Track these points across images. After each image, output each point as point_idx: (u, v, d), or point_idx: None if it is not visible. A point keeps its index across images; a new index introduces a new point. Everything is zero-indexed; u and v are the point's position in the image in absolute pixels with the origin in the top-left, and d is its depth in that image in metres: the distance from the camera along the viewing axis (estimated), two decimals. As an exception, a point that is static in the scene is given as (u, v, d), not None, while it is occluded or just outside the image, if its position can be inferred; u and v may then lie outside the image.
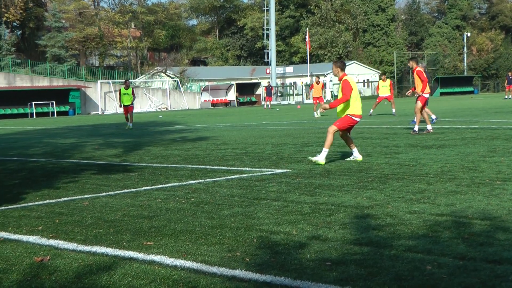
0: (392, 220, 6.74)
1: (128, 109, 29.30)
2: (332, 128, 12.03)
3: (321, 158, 11.83)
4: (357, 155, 12.27)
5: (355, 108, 12.06)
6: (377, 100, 31.93)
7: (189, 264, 5.31)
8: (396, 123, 23.72)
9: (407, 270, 4.95)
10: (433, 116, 23.01)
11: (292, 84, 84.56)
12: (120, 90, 29.74)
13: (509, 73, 53.32)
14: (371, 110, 31.33)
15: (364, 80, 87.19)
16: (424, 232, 6.17)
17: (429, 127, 18.20)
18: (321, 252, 5.56)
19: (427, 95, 18.71)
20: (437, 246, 5.62)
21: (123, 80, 38.59)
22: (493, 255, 5.31)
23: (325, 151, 11.90)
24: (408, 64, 19.24)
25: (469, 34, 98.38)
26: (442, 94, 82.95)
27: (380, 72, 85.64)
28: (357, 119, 12.18)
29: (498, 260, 5.17)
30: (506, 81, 52.87)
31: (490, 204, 7.45)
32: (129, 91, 29.31)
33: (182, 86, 75.15)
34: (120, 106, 30.99)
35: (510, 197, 7.77)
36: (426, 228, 6.31)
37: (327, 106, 12.50)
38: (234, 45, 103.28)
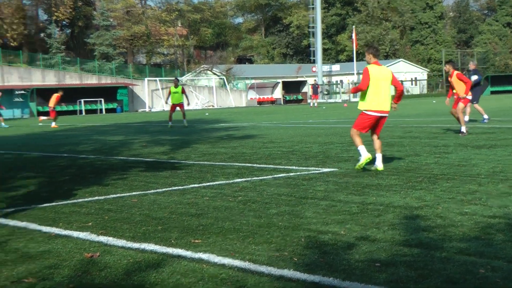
0: (442, 221, 6.62)
1: (175, 107, 29.03)
2: (352, 131, 11.07)
3: (362, 158, 10.74)
4: (378, 164, 10.85)
5: (371, 102, 10.79)
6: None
7: (237, 263, 5.29)
8: (445, 122, 23.39)
9: (459, 273, 4.85)
10: (485, 116, 22.63)
11: (339, 82, 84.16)
12: (169, 89, 29.51)
13: None
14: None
15: (411, 79, 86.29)
16: (476, 234, 6.04)
17: (463, 129, 17.84)
18: (370, 253, 5.49)
19: (470, 97, 18.44)
20: (490, 249, 5.49)
21: (171, 78, 38.77)
22: (550, 259, 5.17)
23: (360, 148, 10.79)
24: (445, 68, 18.73)
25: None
26: (492, 92, 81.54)
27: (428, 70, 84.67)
28: (374, 114, 10.85)
29: (556, 265, 5.03)
30: None
31: (545, 206, 7.27)
32: (179, 89, 28.98)
33: (228, 84, 75.40)
34: (166, 103, 30.98)
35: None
36: (478, 230, 6.17)
37: (349, 89, 11.94)
38: (280, 43, 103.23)
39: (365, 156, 10.72)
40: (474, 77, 22.44)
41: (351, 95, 77.06)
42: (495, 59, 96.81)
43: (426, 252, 5.46)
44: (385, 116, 10.99)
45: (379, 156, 10.89)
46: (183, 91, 29.17)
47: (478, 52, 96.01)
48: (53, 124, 34.19)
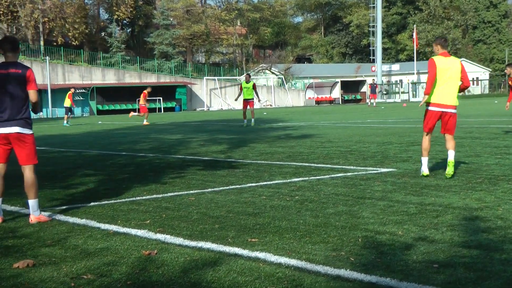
0: (503, 223, 6.51)
1: (247, 104, 28.69)
2: (423, 135, 10.33)
3: (423, 169, 10.09)
4: (450, 157, 9.91)
5: (433, 96, 9.96)
6: None
7: (293, 262, 5.29)
8: (507, 123, 22.95)
9: (518, 275, 4.77)
10: None
11: (398, 82, 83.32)
12: (241, 84, 29.26)
13: None
14: None
15: (473, 78, 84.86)
16: (537, 236, 5.93)
17: None
18: (428, 254, 5.44)
19: None
20: (552, 252, 5.40)
21: (230, 77, 38.99)
22: None
23: (422, 160, 10.14)
24: (506, 70, 18.26)
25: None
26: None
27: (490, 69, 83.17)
28: (435, 109, 9.99)
29: None
30: None
31: None
32: (250, 85, 28.64)
33: (286, 83, 75.40)
34: (236, 100, 30.79)
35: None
36: (539, 232, 6.06)
37: (424, 97, 10.41)
38: (339, 42, 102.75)
39: (422, 170, 10.08)
40: None
41: (412, 93, 76.21)
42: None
43: (485, 253, 5.38)
44: (449, 112, 9.99)
45: (451, 152, 9.92)
46: (254, 87, 28.84)
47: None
48: (145, 122, 34.71)
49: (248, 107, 28.77)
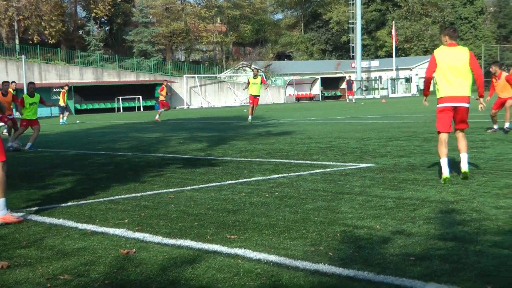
0: (477, 215, 6.61)
1: (254, 100, 28.27)
2: (439, 138, 9.40)
3: (441, 175, 9.03)
4: (463, 165, 9.06)
5: (441, 91, 9.17)
6: None
7: (272, 258, 5.33)
8: (482, 117, 23.13)
9: (492, 266, 4.85)
10: None
11: (378, 78, 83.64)
12: (248, 80, 28.81)
13: None
14: None
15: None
16: (510, 227, 6.04)
17: (496, 126, 17.55)
18: (405, 247, 5.51)
19: None
20: (525, 243, 5.50)
21: (210, 75, 39.08)
22: None
23: (441, 162, 9.06)
24: (491, 69, 18.34)
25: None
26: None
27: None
28: (446, 105, 9.13)
29: None
30: None
31: None
32: (258, 80, 28.21)
33: (267, 81, 75.44)
34: (244, 89, 29.99)
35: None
36: (513, 224, 6.17)
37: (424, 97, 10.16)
38: (319, 39, 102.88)
39: (443, 173, 8.93)
40: None
41: (391, 89, 76.55)
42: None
43: (460, 245, 5.46)
44: (462, 106, 9.08)
45: (463, 156, 9.07)
46: (263, 81, 28.52)
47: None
48: (157, 117, 35.32)
49: (253, 103, 28.36)
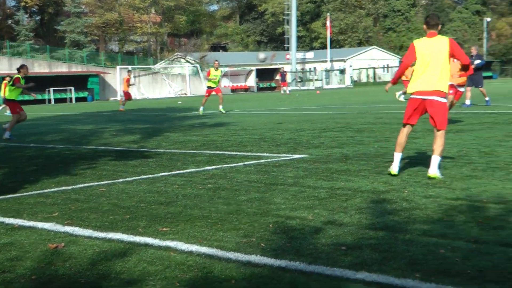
0: (407, 204, 6.71)
1: (211, 92, 27.79)
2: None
3: (392, 167, 8.72)
4: (430, 169, 8.34)
5: (412, 83, 8.60)
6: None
7: (204, 249, 5.30)
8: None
9: (421, 254, 4.93)
10: (487, 98, 23.98)
11: (312, 69, 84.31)
12: (209, 71, 28.17)
13: None
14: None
15: (384, 66, 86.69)
16: (439, 216, 6.16)
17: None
18: (337, 237, 5.55)
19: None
20: (452, 230, 5.62)
21: (144, 66, 38.68)
22: (507, 238, 5.33)
23: (394, 156, 8.71)
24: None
25: (489, 19, 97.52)
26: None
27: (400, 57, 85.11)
28: (415, 97, 8.53)
29: (511, 243, 5.17)
30: None
31: (505, 188, 7.45)
32: (219, 72, 27.68)
33: (202, 72, 75.19)
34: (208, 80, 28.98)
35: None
36: (441, 213, 6.30)
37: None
38: (255, 30, 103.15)
39: (391, 168, 8.68)
40: (477, 61, 22.81)
41: (325, 80, 77.20)
42: (464, 46, 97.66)
43: (391, 234, 5.53)
44: (434, 100, 8.39)
45: (433, 160, 8.35)
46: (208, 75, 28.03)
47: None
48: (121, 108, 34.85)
49: (215, 93, 27.91)
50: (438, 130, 8.42)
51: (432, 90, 8.36)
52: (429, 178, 8.21)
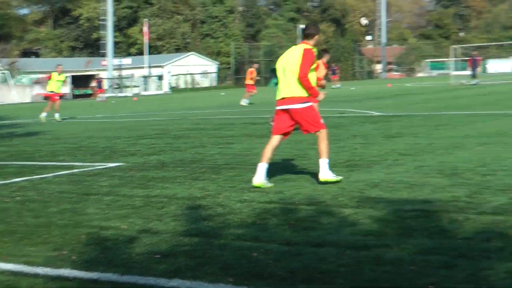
0: (222, 209, 6.76)
1: (56, 96, 26.51)
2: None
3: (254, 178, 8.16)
4: (320, 173, 8.05)
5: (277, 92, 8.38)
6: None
7: (10, 266, 5.04)
8: (231, 114, 23.98)
9: (234, 258, 4.98)
10: None
11: (130, 76, 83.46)
12: (50, 75, 26.88)
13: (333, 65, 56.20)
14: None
15: (202, 72, 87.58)
16: (252, 220, 6.26)
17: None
18: (151, 245, 5.48)
19: None
20: (265, 233, 5.72)
21: None
22: (316, 238, 5.48)
23: (258, 166, 8.18)
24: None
25: (302, 26, 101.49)
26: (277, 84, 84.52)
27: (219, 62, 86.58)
28: (276, 108, 8.33)
29: (321, 243, 5.32)
30: (330, 72, 55.33)
31: (316, 190, 7.68)
32: (62, 77, 26.57)
33: (12, 79, 72.06)
34: (50, 89, 27.30)
35: (335, 183, 7.98)
36: (255, 216, 6.41)
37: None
38: (69, 35, 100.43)
39: (254, 179, 8.09)
40: None
41: (143, 86, 76.72)
42: (280, 52, 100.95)
43: (205, 240, 5.54)
44: (291, 109, 8.14)
45: (320, 163, 8.09)
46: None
47: (264, 45, 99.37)
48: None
49: (56, 100, 26.56)
50: (315, 135, 8.26)
51: (285, 98, 8.17)
52: (320, 181, 7.98)
